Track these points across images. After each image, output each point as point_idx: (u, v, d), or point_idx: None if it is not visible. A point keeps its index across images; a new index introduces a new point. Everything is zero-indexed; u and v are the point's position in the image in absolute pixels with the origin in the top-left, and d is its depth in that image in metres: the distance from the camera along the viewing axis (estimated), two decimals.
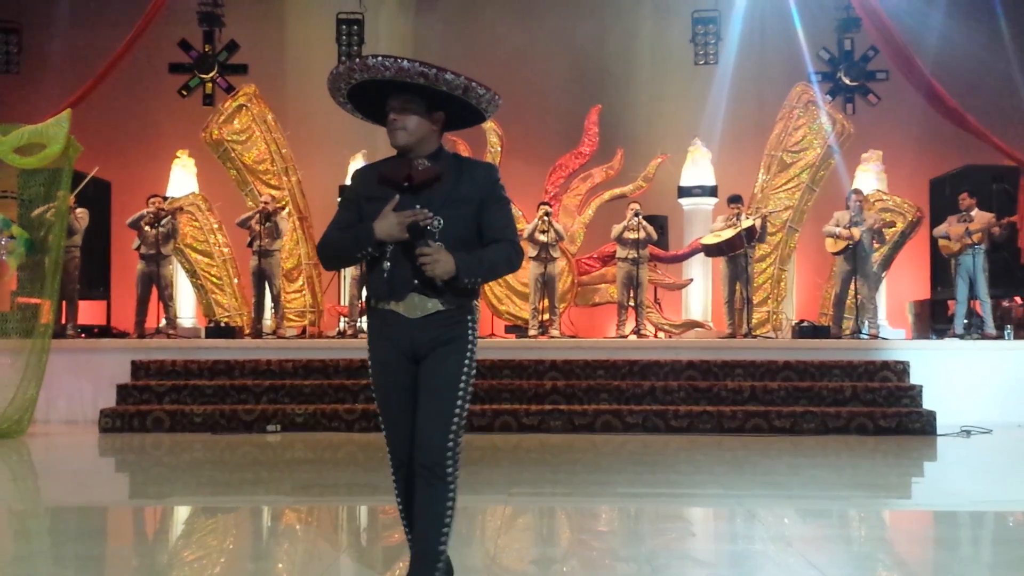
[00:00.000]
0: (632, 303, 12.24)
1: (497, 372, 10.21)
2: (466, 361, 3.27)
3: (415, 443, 3.20)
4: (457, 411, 3.21)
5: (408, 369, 3.28)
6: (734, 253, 11.85)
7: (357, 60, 3.20)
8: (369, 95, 3.30)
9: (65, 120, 9.78)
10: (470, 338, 3.30)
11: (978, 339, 11.13)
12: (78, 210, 11.47)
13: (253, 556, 4.82)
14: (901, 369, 10.21)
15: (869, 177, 13.61)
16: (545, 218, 11.98)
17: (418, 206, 3.18)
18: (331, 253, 3.38)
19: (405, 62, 3.12)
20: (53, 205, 9.93)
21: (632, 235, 12.05)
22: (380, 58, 3.15)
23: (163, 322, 12.11)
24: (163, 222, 11.71)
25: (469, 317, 3.31)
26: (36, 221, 9.95)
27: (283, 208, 12.77)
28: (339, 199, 3.47)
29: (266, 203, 12.07)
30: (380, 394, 3.35)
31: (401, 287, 3.22)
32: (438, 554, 3.23)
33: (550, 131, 14.74)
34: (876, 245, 12.04)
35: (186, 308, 13.77)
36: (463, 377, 3.25)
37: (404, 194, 3.21)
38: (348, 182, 3.46)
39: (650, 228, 12.23)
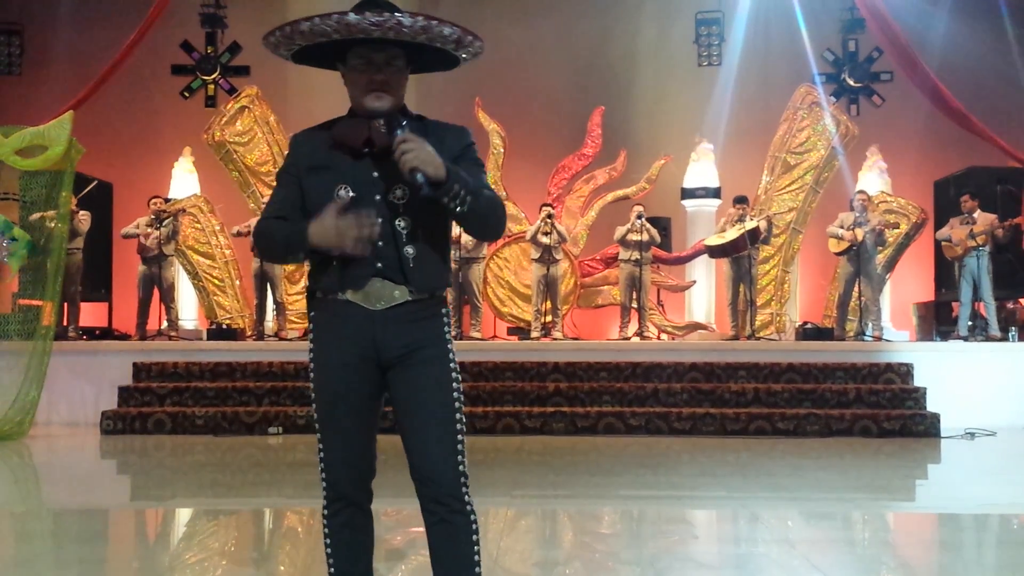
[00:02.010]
0: (635, 305, 12.20)
1: (500, 374, 10.18)
2: (451, 365, 2.70)
3: (419, 476, 2.65)
4: (460, 427, 2.68)
5: (368, 375, 2.66)
6: (738, 255, 11.83)
7: (334, 17, 2.51)
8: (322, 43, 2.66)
9: (67, 122, 9.78)
10: (448, 338, 2.72)
11: (982, 341, 11.09)
12: (80, 213, 11.46)
13: (255, 559, 4.81)
14: (905, 371, 10.17)
15: (873, 178, 13.59)
16: (548, 220, 11.96)
17: (376, 174, 2.62)
18: (264, 246, 2.82)
19: (405, 18, 2.51)
20: (49, 214, 9.93)
21: (635, 237, 12.02)
22: (368, 15, 2.51)
23: (165, 324, 12.10)
24: (165, 223, 11.71)
25: (444, 311, 2.73)
26: (35, 224, 9.95)
27: None
28: (277, 174, 2.83)
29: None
30: (324, 405, 2.68)
31: (358, 272, 2.61)
32: None
33: (553, 132, 14.73)
34: (879, 248, 12.00)
35: (188, 310, 13.76)
36: (455, 385, 2.69)
37: (362, 160, 2.64)
38: None
39: (653, 230, 12.20)
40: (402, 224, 2.63)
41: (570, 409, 9.68)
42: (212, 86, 15.06)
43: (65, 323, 11.49)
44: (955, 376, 10.27)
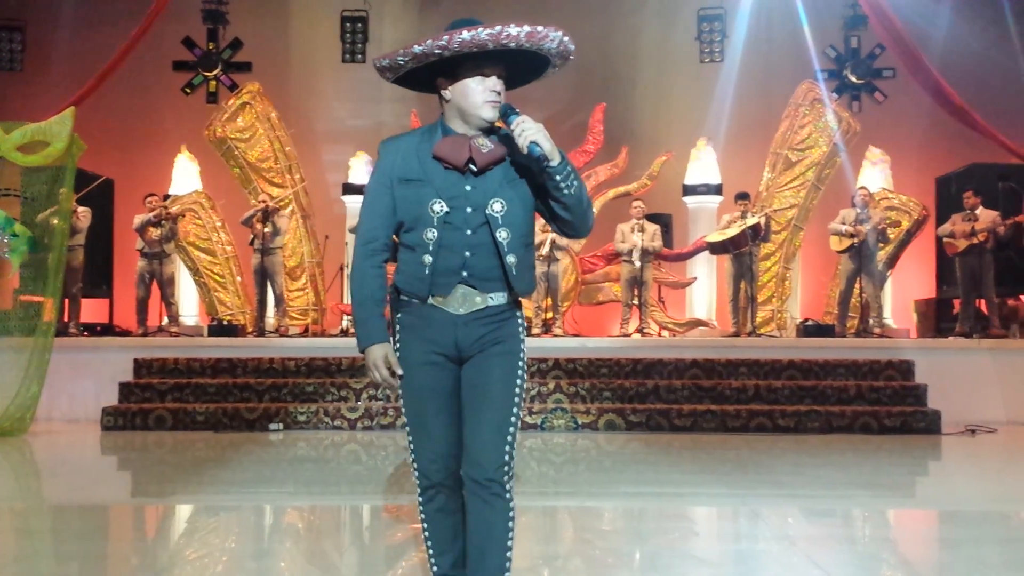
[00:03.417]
0: (636, 301, 12.19)
1: None
2: (520, 363, 2.91)
3: (467, 458, 2.83)
4: (514, 419, 2.85)
5: (450, 372, 2.90)
6: (739, 251, 11.82)
7: (481, 33, 2.83)
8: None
9: (69, 118, 9.77)
10: (522, 336, 2.95)
11: (983, 338, 11.08)
12: (80, 209, 11.46)
13: (255, 555, 4.80)
14: (906, 368, 10.17)
15: (875, 175, 13.57)
16: None
17: (468, 187, 2.83)
18: (351, 287, 2.97)
19: (539, 28, 2.92)
20: (55, 208, 9.92)
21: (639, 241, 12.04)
22: (482, 29, 2.83)
23: (165, 320, 12.11)
24: (162, 223, 11.71)
25: (519, 313, 2.96)
26: (41, 224, 9.95)
27: (284, 208, 12.76)
28: (369, 180, 2.97)
29: (264, 202, 12.05)
30: (412, 401, 2.92)
31: (445, 280, 2.84)
32: None
33: (555, 129, 14.29)
34: (880, 245, 11.99)
35: (189, 306, 13.76)
36: (518, 381, 2.89)
37: (462, 176, 2.84)
38: (374, 165, 3.00)
39: (654, 229, 12.18)
40: (503, 235, 2.84)
41: (571, 406, 9.68)
42: (213, 82, 15.07)
43: (66, 319, 11.50)
44: (956, 373, 10.28)
